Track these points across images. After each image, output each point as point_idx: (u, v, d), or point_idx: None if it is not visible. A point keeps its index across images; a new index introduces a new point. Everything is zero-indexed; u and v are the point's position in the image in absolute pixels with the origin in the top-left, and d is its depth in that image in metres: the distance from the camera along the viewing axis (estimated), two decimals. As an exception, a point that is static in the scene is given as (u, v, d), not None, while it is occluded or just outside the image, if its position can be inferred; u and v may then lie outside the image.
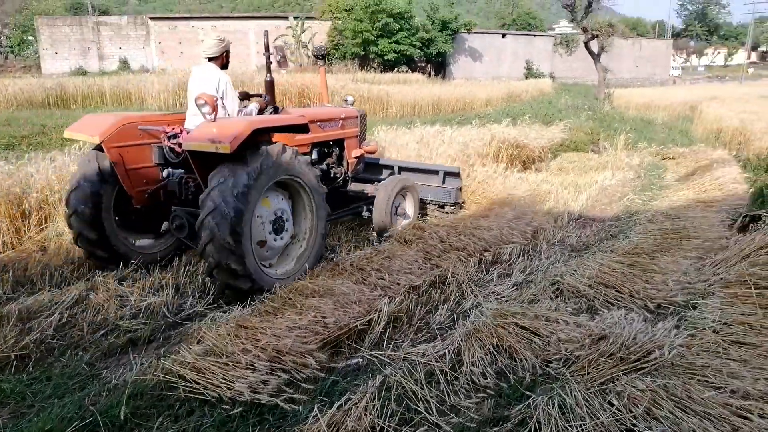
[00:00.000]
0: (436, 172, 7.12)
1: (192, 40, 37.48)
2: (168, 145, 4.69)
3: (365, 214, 6.19)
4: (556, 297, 4.34)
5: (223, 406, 2.88)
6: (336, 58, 32.99)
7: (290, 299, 4.04)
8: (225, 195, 4.01)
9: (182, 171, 4.79)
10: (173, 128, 4.74)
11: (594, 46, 28.86)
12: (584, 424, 2.51)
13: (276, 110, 5.47)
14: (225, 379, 3.04)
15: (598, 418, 2.54)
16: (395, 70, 31.81)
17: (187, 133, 4.53)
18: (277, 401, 2.90)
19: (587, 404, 2.65)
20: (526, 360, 3.28)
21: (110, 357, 3.61)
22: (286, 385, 3.09)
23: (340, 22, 34.34)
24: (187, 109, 4.94)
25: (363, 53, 33.05)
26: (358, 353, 3.57)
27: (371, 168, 6.97)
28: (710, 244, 5.56)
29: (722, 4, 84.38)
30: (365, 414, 2.73)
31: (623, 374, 2.94)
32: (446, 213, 7.05)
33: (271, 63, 5.65)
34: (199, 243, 4.11)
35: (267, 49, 5.53)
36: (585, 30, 28.57)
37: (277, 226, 4.63)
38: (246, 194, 4.08)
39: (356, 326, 3.79)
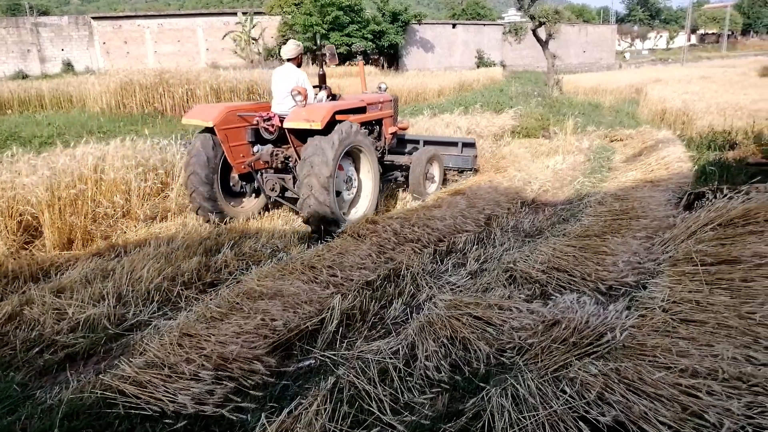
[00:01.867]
0: (455, 144, 8.33)
1: (138, 39, 36.30)
2: (264, 126, 6.08)
3: (401, 179, 7.58)
4: (510, 284, 4.32)
5: (166, 421, 2.73)
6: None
7: (237, 303, 3.88)
8: (319, 155, 5.43)
9: (270, 146, 6.18)
10: (267, 113, 6.10)
11: (542, 33, 29.32)
12: (537, 414, 2.47)
13: (334, 97, 6.79)
14: (168, 392, 2.89)
15: (551, 407, 2.50)
16: (347, 63, 31.61)
17: (277, 117, 6.00)
18: (222, 412, 2.77)
19: (540, 393, 2.61)
20: (479, 350, 3.22)
21: (45, 375, 3.39)
22: (233, 393, 2.95)
23: (290, 16, 33.91)
24: (273, 98, 6.36)
25: (315, 47, 32.69)
26: (310, 355, 3.46)
27: (400, 142, 8.20)
28: (658, 223, 5.64)
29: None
30: (316, 418, 2.62)
31: (576, 359, 2.92)
32: (465, 176, 8.38)
33: (324, 60, 6.95)
34: (301, 188, 5.51)
35: (320, 48, 6.80)
36: (532, 18, 29.00)
37: (348, 183, 6.12)
38: (332, 156, 5.44)
39: (307, 327, 3.67)
